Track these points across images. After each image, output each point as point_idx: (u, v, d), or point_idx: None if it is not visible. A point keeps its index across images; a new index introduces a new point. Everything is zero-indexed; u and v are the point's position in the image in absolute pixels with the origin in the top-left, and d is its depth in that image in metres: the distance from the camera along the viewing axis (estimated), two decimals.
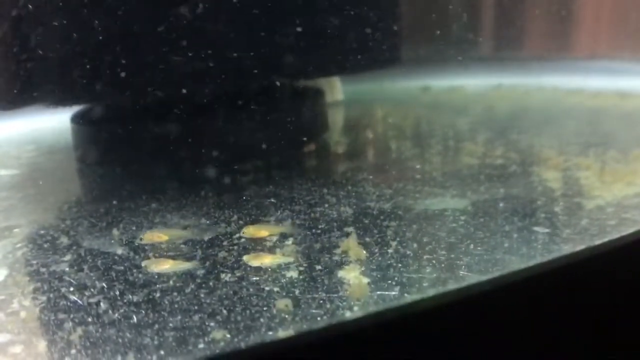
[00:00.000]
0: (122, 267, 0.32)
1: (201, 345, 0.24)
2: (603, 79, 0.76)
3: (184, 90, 0.43)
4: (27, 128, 0.67)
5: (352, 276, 0.29)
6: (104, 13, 0.41)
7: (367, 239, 0.34)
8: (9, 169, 0.55)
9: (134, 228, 0.38)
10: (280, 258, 0.31)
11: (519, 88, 0.78)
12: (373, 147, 0.54)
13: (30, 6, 0.43)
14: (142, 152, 0.46)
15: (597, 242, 0.32)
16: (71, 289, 0.30)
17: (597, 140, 0.52)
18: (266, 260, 0.31)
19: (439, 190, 0.41)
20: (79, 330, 0.26)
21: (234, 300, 0.28)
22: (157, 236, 0.35)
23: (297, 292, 0.28)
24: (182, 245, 0.34)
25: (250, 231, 0.34)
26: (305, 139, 0.52)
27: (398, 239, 0.33)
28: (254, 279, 0.30)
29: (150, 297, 0.29)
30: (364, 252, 0.32)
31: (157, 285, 0.30)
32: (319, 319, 0.26)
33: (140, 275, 0.31)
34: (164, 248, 0.34)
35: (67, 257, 0.34)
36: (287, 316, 0.26)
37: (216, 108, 0.47)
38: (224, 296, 0.28)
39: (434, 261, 0.31)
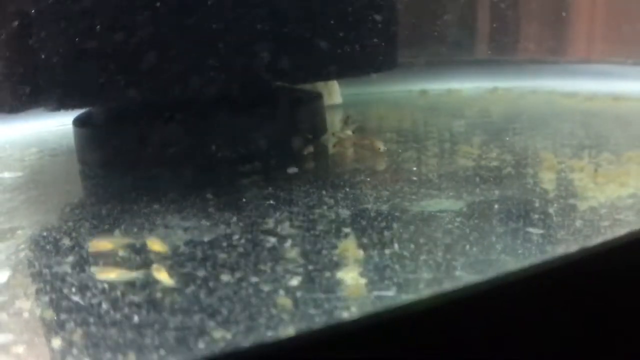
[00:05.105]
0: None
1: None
2: (597, 82, 0.77)
3: (185, 94, 0.43)
4: (31, 131, 0.68)
5: (350, 277, 0.30)
6: (107, 16, 0.42)
7: (365, 241, 0.34)
8: (13, 171, 0.55)
9: (135, 230, 0.38)
10: (122, 273, 0.32)
11: (514, 91, 0.79)
12: (370, 149, 0.54)
13: (33, 10, 0.43)
14: (143, 154, 0.47)
15: (591, 243, 0.32)
16: (73, 289, 0.31)
17: (591, 142, 0.53)
18: (112, 275, 0.31)
19: (435, 192, 0.41)
20: (81, 331, 0.27)
21: (234, 302, 0.28)
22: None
23: (298, 294, 0.29)
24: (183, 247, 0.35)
25: (94, 244, 0.35)
26: (303, 141, 0.52)
27: (395, 240, 0.34)
28: (254, 280, 0.30)
29: (151, 297, 0.29)
30: (361, 252, 0.32)
31: (157, 286, 0.30)
32: (317, 319, 0.26)
33: (142, 277, 0.32)
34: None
35: (70, 259, 0.34)
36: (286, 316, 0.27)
37: (216, 111, 0.47)
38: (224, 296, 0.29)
39: (430, 262, 0.31)
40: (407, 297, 0.28)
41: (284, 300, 0.28)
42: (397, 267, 0.31)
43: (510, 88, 0.80)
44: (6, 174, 0.54)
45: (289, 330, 0.25)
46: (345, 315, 0.26)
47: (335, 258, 0.32)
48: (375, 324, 0.26)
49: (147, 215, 0.40)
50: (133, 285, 0.31)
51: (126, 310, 0.28)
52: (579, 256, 0.31)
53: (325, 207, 0.40)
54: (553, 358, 0.32)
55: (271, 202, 0.41)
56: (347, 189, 0.43)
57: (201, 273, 0.31)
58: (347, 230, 0.36)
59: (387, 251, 0.32)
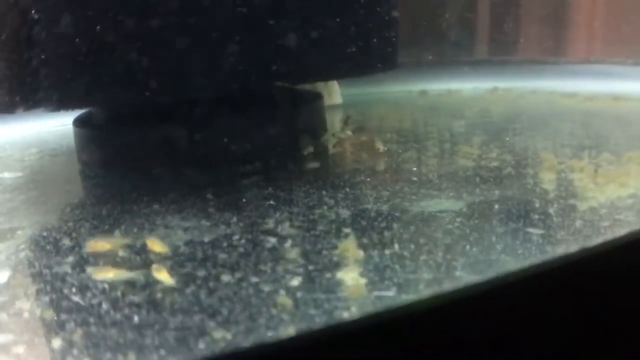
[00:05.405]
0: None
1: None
2: (597, 82, 0.77)
3: (185, 94, 0.44)
4: (31, 131, 0.68)
5: (350, 277, 0.30)
6: (108, 16, 0.42)
7: (365, 241, 0.34)
8: (13, 171, 0.56)
9: (135, 230, 0.38)
10: (122, 273, 0.32)
11: (514, 91, 0.79)
12: (370, 149, 0.54)
13: (33, 9, 0.44)
14: (143, 154, 0.47)
15: (591, 243, 0.32)
16: (73, 290, 0.31)
17: (591, 143, 0.53)
18: (112, 275, 0.31)
19: (435, 192, 0.41)
20: (81, 331, 0.27)
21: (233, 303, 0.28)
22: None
23: (298, 294, 0.29)
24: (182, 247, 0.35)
25: (93, 245, 0.35)
26: (304, 142, 0.52)
27: (395, 240, 0.34)
28: (254, 280, 0.30)
29: (152, 297, 0.29)
30: (362, 253, 0.32)
31: (158, 286, 0.30)
32: (317, 320, 0.26)
33: (141, 278, 0.32)
34: None
35: (70, 259, 0.34)
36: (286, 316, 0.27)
37: (216, 111, 0.47)
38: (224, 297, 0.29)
39: (430, 262, 0.31)
40: (407, 297, 0.28)
41: (284, 300, 0.28)
42: (397, 267, 0.31)
43: (510, 88, 0.80)
44: (6, 174, 0.54)
45: (289, 331, 0.25)
46: (345, 315, 0.26)
47: (335, 258, 0.32)
48: (375, 324, 0.27)
49: (147, 215, 0.40)
50: (133, 286, 0.31)
51: (126, 310, 0.28)
52: (579, 256, 0.31)
53: (325, 208, 0.40)
54: (553, 358, 0.32)
55: (271, 202, 0.41)
56: (347, 189, 0.43)
57: (201, 273, 0.31)
58: (347, 230, 0.36)
59: (387, 251, 0.33)
